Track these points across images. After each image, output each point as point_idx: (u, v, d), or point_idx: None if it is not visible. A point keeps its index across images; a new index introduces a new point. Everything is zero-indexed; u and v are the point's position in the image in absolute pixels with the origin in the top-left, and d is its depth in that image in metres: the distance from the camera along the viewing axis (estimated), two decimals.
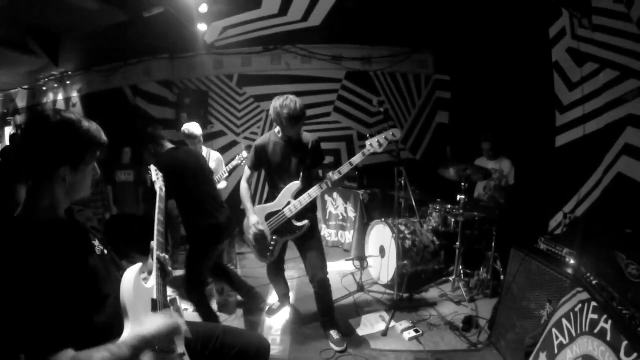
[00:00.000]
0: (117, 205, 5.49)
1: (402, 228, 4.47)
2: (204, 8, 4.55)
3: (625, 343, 1.86)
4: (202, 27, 5.04)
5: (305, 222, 3.19)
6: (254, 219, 3.26)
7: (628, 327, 1.89)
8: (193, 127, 4.28)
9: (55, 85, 8.21)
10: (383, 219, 4.57)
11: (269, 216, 3.25)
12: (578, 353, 2.08)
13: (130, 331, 1.40)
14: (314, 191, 3.12)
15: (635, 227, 2.94)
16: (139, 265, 1.61)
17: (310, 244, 3.29)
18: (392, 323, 3.56)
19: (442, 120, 7.15)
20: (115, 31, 5.17)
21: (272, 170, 3.31)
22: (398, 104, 7.09)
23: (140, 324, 1.42)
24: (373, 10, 5.19)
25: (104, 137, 1.53)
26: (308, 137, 3.26)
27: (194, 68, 6.75)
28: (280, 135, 3.22)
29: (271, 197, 3.34)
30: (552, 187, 4.35)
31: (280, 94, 3.08)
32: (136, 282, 1.54)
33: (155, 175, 2.50)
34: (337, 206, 5.97)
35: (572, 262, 2.68)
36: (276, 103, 3.01)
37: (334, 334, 3.36)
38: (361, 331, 3.57)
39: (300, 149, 3.22)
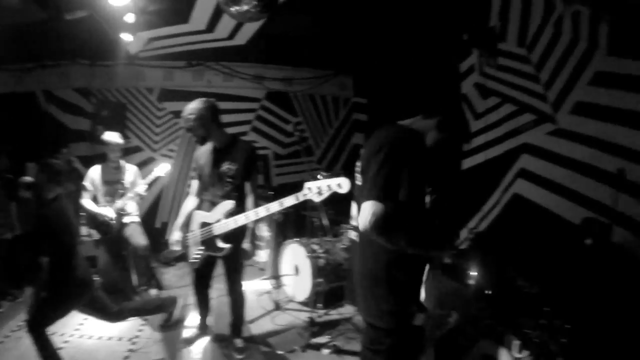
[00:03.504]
0: (21, 224, 4.99)
1: (316, 247, 4.51)
2: (130, 17, 4.38)
3: (517, 343, 2.08)
4: (126, 36, 4.82)
5: (228, 246, 3.07)
6: (173, 236, 3.24)
7: (518, 330, 2.12)
8: (114, 136, 4.38)
9: None
10: (297, 238, 4.64)
11: (203, 224, 3.15)
12: (479, 353, 2.29)
13: None
14: (241, 219, 3.00)
15: (527, 241, 3.29)
16: None
17: (232, 262, 3.25)
18: (311, 339, 3.62)
19: (357, 141, 7.42)
20: (33, 30, 4.76)
21: (200, 178, 3.27)
22: (315, 124, 7.30)
23: None
24: (297, 35, 5.39)
25: None
26: (240, 145, 3.21)
27: (114, 77, 6.32)
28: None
29: (200, 205, 3.29)
30: (459, 206, 4.70)
31: None
32: None
33: None
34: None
35: (473, 274, 2.95)
36: None
37: (238, 342, 3.44)
38: (280, 348, 3.57)
39: (228, 158, 3.13)
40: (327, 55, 6.35)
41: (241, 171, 3.12)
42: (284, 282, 4.81)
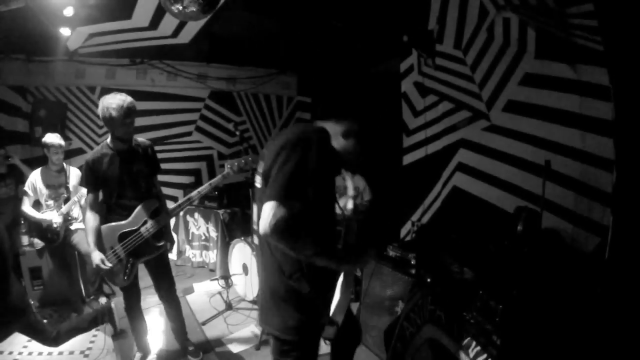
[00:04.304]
0: None
1: None
2: (69, 11, 4.11)
3: (456, 326, 2.25)
4: (65, 31, 4.51)
5: (164, 241, 3.04)
6: (97, 257, 2.86)
7: (456, 313, 2.29)
8: (55, 137, 4.11)
9: None
10: (243, 237, 4.66)
11: (122, 236, 2.93)
12: (424, 338, 2.44)
13: None
14: (174, 210, 3.02)
15: (466, 230, 3.51)
16: None
17: (161, 262, 3.16)
18: (264, 337, 3.64)
19: None
20: None
21: (109, 186, 2.95)
22: (259, 123, 7.35)
23: None
24: (241, 33, 5.37)
25: None
26: (142, 143, 3.10)
27: (53, 75, 5.89)
28: (112, 145, 2.94)
29: (112, 216, 3.00)
30: (402, 200, 4.91)
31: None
32: None
33: None
34: (199, 226, 5.88)
35: (416, 264, 3.13)
36: (104, 100, 2.87)
37: (188, 345, 3.40)
38: (235, 348, 3.59)
39: (135, 158, 3.00)
40: (271, 54, 6.37)
41: (151, 168, 3.10)
42: (234, 281, 4.81)
